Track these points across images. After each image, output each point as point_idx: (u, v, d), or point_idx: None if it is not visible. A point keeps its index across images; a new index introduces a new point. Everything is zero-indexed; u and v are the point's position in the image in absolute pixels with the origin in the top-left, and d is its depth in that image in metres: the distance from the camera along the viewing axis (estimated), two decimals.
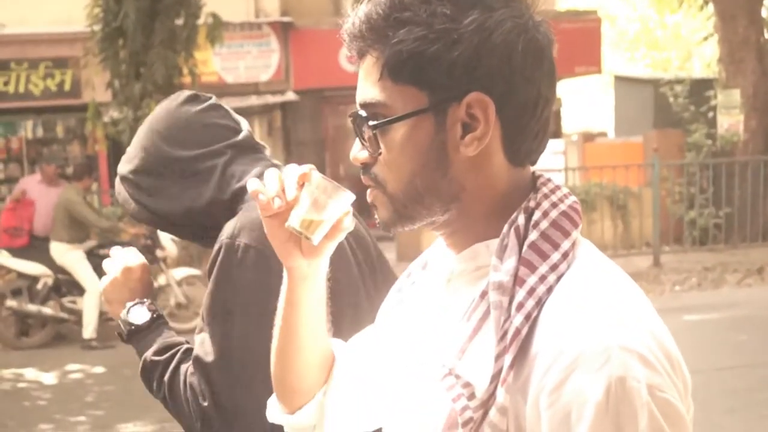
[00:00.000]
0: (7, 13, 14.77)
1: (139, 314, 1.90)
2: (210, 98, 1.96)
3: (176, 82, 11.77)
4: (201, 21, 11.86)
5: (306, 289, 1.26)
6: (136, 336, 1.90)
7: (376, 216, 1.16)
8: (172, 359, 1.85)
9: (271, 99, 15.45)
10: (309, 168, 1.17)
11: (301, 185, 1.15)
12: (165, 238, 9.43)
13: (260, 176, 1.85)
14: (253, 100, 15.36)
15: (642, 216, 12.48)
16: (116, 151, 13.85)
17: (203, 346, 1.76)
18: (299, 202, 1.15)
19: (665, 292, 10.28)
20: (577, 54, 15.23)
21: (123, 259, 1.93)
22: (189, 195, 1.87)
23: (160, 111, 1.95)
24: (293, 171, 1.17)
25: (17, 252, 9.35)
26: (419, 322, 1.20)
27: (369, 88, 1.10)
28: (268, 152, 1.98)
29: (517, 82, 1.06)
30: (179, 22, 11.62)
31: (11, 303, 9.05)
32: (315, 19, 15.79)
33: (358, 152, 1.14)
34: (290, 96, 15.39)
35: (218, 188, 1.86)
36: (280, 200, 1.15)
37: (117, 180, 1.98)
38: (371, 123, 1.10)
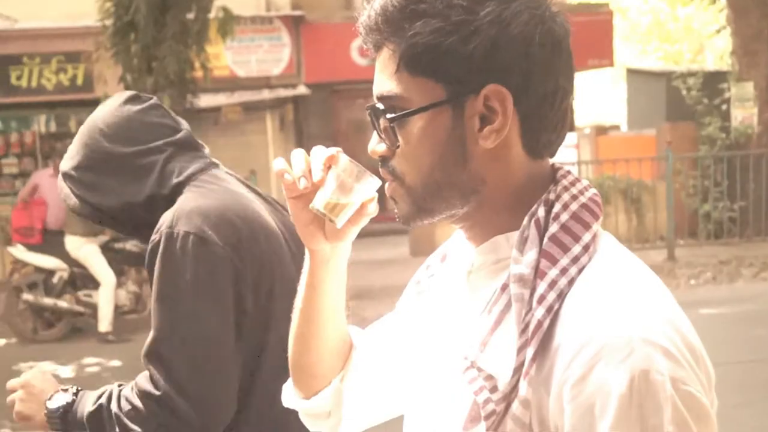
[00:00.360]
0: (19, 8, 14.82)
1: (59, 399, 1.91)
2: (151, 98, 2.03)
3: (188, 76, 11.81)
4: (212, 15, 11.87)
5: (327, 272, 1.27)
6: (70, 414, 1.89)
7: (395, 210, 1.15)
8: (110, 397, 1.86)
9: (282, 93, 15.44)
10: (337, 150, 1.17)
11: (328, 167, 1.16)
12: None
13: (199, 172, 1.93)
14: (265, 94, 15.37)
15: (656, 210, 12.41)
16: None
17: (157, 332, 1.78)
18: (325, 184, 1.15)
19: (680, 286, 10.22)
20: (589, 47, 15.17)
21: (18, 380, 1.96)
22: (129, 190, 1.92)
23: (102, 109, 2.01)
24: (321, 152, 1.17)
25: (32, 246, 9.40)
26: (439, 314, 1.20)
27: (386, 81, 1.10)
28: (207, 151, 2.04)
29: (535, 73, 1.06)
30: (190, 16, 11.62)
31: (27, 296, 9.08)
32: (326, 12, 15.77)
33: (376, 145, 1.14)
34: (302, 90, 15.37)
35: (158, 184, 1.92)
36: (305, 181, 1.16)
37: (59, 177, 2.03)
38: (388, 116, 1.10)
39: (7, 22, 14.86)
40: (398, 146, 1.10)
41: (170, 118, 2.01)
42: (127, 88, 11.49)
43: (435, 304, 1.23)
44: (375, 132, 1.14)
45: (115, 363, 8.13)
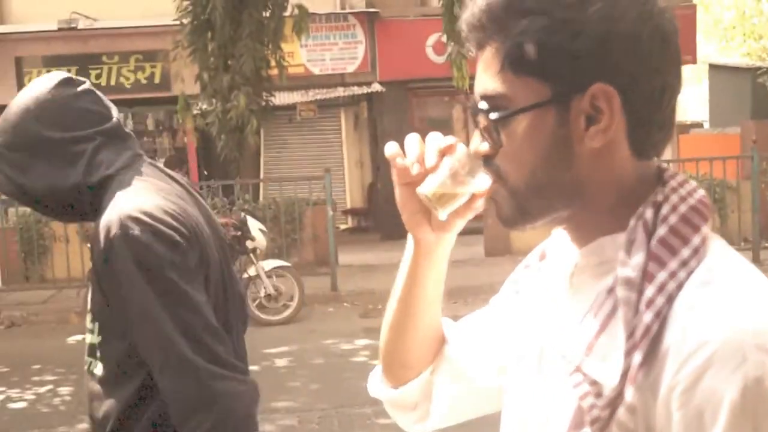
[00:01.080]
0: (98, 8, 15.12)
1: None
2: (84, 82, 2.02)
3: (264, 74, 11.88)
4: (287, 13, 11.92)
5: (429, 263, 1.27)
6: None
7: (495, 212, 1.14)
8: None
9: (357, 90, 15.47)
10: (455, 140, 1.16)
11: (442, 155, 1.14)
12: (254, 229, 9.51)
13: (127, 166, 1.93)
14: (339, 92, 15.42)
15: (740, 210, 12.09)
16: (205, 143, 14.08)
17: (160, 340, 1.78)
18: (437, 172, 1.13)
19: None
20: None
21: None
22: (56, 175, 1.93)
23: (34, 90, 1.99)
24: (437, 139, 1.16)
25: None
26: (539, 314, 1.19)
27: (489, 79, 1.08)
28: (136, 143, 2.05)
29: (643, 72, 1.04)
30: (266, 14, 11.69)
31: None
32: (401, 9, 15.75)
33: (479, 144, 1.12)
34: (376, 87, 15.38)
35: (86, 173, 1.92)
36: (418, 166, 1.14)
37: None
38: (492, 115, 1.08)
39: (87, 22, 15.16)
40: (501, 146, 1.09)
41: (102, 105, 2.01)
42: (203, 86, 11.65)
43: (534, 304, 1.22)
44: (477, 131, 1.13)
45: None
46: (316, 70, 15.55)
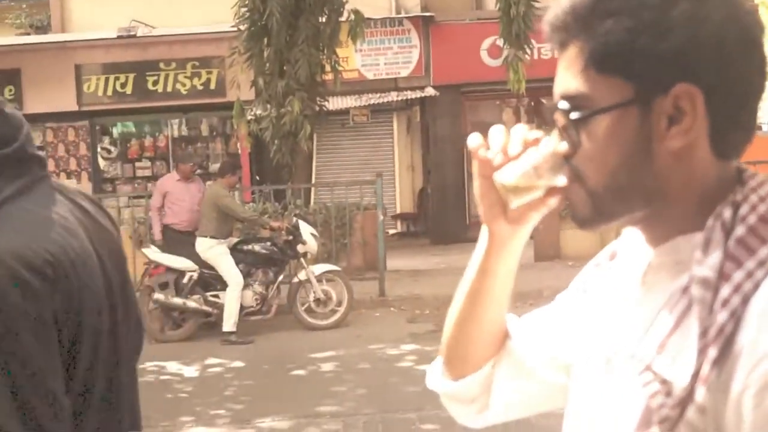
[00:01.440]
0: (157, 15, 15.33)
1: None
2: None
3: (318, 79, 11.92)
4: (343, 18, 11.95)
5: (501, 256, 1.28)
6: None
7: (571, 211, 1.14)
8: None
9: (410, 95, 15.45)
10: (540, 134, 1.16)
11: (526, 148, 1.15)
12: (306, 233, 9.53)
13: (12, 197, 1.73)
14: (393, 96, 15.41)
15: None
16: (259, 148, 14.17)
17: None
18: (518, 162, 1.14)
19: None
20: None
21: None
22: None
23: None
24: (522, 131, 1.17)
25: (163, 247, 9.71)
26: (607, 313, 1.19)
27: (571, 79, 1.09)
28: (38, 165, 1.84)
29: (729, 72, 1.04)
30: (322, 19, 11.73)
31: (158, 296, 9.33)
32: (456, 13, 15.71)
33: (557, 144, 1.13)
34: (430, 91, 15.34)
35: None
36: (502, 156, 1.15)
37: None
38: (573, 115, 1.08)
39: (146, 29, 15.38)
40: (580, 146, 1.09)
41: (8, 126, 1.83)
42: (258, 91, 11.75)
43: (602, 303, 1.22)
44: (556, 130, 1.13)
45: (238, 364, 8.23)
46: (370, 75, 15.56)
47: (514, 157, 1.15)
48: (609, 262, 1.27)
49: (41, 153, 1.87)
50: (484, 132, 1.21)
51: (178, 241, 9.64)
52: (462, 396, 1.40)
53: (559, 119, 1.11)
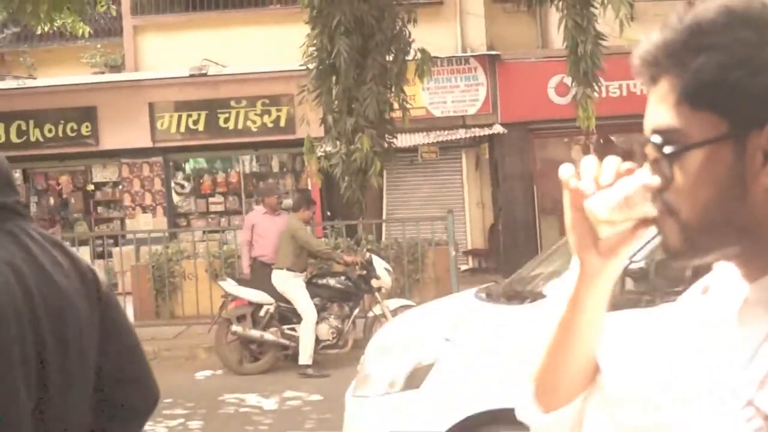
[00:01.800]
0: (227, 54, 15.68)
1: None
2: None
3: (387, 117, 12.05)
4: (410, 57, 12.09)
5: (592, 288, 1.26)
6: None
7: (662, 244, 1.13)
8: None
9: (478, 132, 15.49)
10: (633, 165, 1.15)
11: (618, 178, 1.14)
12: (380, 268, 9.59)
13: None
14: (461, 134, 15.47)
15: None
16: (329, 184, 14.35)
17: None
18: (610, 191, 1.14)
19: None
20: None
21: None
22: None
23: None
24: (615, 161, 1.17)
25: (240, 280, 9.86)
26: (701, 348, 1.16)
27: (663, 113, 1.09)
28: (18, 222, 1.90)
29: None
30: (389, 58, 11.89)
31: (236, 328, 9.45)
32: (522, 51, 15.75)
33: (649, 179, 1.12)
34: (498, 129, 15.36)
35: None
36: (594, 186, 1.15)
37: None
38: (666, 149, 1.07)
39: (217, 68, 15.74)
40: (672, 180, 1.08)
41: None
42: (327, 128, 11.90)
43: (696, 337, 1.19)
44: (647, 165, 1.12)
45: (316, 397, 8.28)
46: (437, 113, 15.67)
47: (606, 187, 1.14)
48: (701, 296, 1.25)
49: (11, 200, 1.91)
50: (554, 168, 1.25)
51: (266, 273, 9.75)
52: (553, 428, 1.38)
53: (651, 153, 1.10)
